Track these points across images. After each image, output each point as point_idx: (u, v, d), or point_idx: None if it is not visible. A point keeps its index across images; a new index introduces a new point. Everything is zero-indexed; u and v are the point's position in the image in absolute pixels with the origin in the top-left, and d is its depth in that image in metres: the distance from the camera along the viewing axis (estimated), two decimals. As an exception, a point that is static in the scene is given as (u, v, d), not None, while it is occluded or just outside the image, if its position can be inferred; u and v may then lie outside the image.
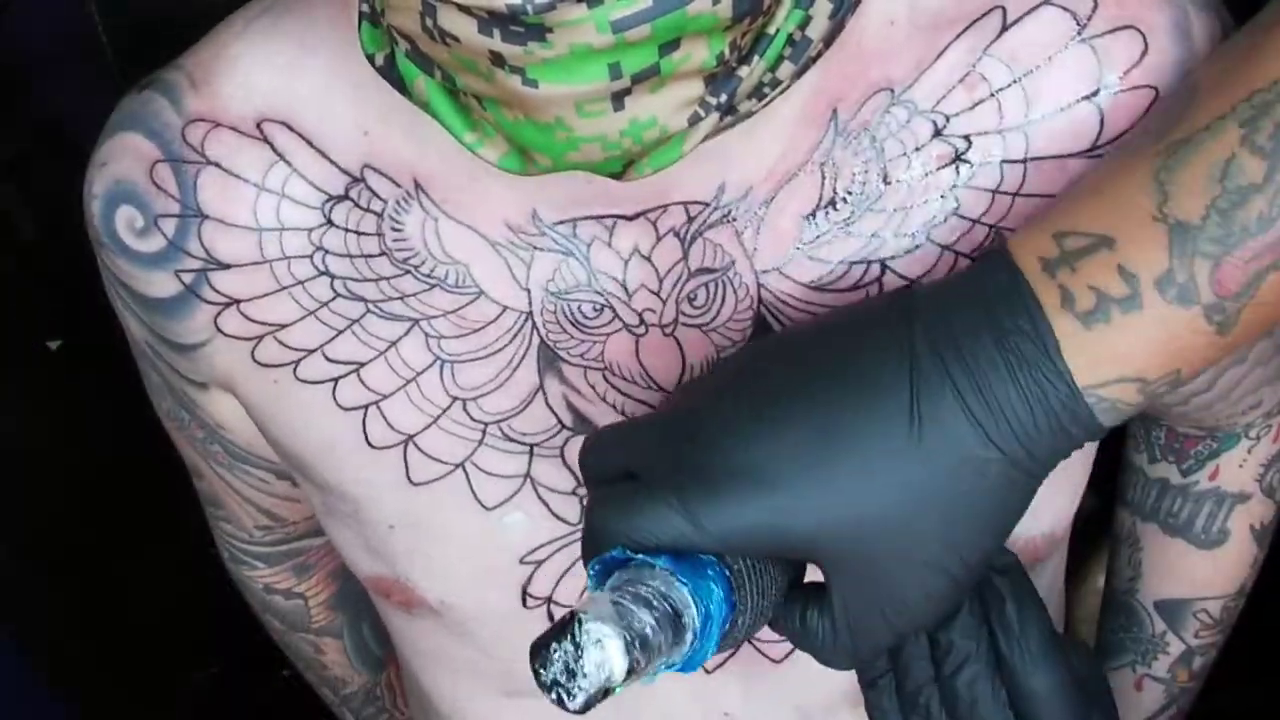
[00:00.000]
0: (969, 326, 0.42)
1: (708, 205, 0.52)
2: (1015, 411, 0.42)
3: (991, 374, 0.42)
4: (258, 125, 0.55)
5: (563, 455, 0.56)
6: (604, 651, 0.40)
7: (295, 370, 0.57)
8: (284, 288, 0.56)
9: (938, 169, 0.52)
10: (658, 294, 0.53)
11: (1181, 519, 0.72)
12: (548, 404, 0.55)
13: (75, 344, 1.36)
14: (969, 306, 0.43)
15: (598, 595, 0.42)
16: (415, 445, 0.56)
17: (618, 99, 0.43)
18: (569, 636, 0.40)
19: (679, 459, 0.43)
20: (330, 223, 0.55)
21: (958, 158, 0.52)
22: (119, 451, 1.24)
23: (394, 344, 0.55)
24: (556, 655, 0.40)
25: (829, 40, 0.48)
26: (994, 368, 0.42)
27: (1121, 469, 0.76)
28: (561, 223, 0.53)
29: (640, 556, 0.43)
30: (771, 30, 0.46)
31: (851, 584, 0.43)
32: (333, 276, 0.55)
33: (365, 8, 0.50)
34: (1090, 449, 0.58)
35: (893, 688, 0.48)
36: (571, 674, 0.40)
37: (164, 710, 1.46)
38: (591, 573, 0.44)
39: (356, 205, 0.55)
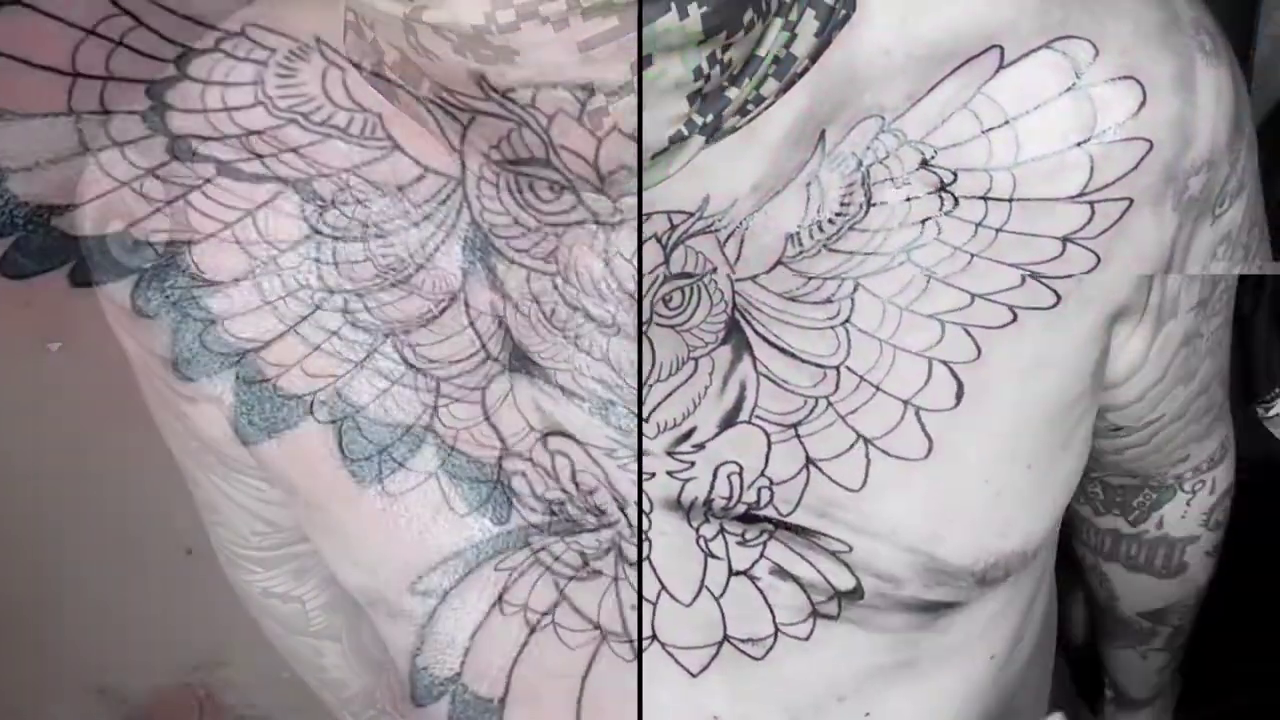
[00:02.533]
0: None
1: (691, 215, 0.52)
2: None
3: None
4: (244, 141, 0.55)
5: (531, 458, 0.56)
6: None
7: (275, 386, 0.57)
8: (268, 303, 0.56)
9: (923, 195, 0.52)
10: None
11: (1141, 559, 0.76)
12: (517, 407, 0.55)
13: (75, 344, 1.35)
14: None
15: None
16: (390, 456, 0.57)
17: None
18: None
19: None
20: (317, 232, 0.55)
21: (943, 188, 0.52)
22: (119, 451, 1.23)
23: (370, 354, 0.56)
24: None
25: (814, 56, 0.48)
26: None
27: (1071, 520, 0.78)
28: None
29: None
30: (762, 53, 0.46)
31: None
32: (314, 289, 0.55)
33: (350, 16, 0.50)
34: (1065, 471, 0.58)
35: None
36: None
37: (166, 709, 1.46)
38: None
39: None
